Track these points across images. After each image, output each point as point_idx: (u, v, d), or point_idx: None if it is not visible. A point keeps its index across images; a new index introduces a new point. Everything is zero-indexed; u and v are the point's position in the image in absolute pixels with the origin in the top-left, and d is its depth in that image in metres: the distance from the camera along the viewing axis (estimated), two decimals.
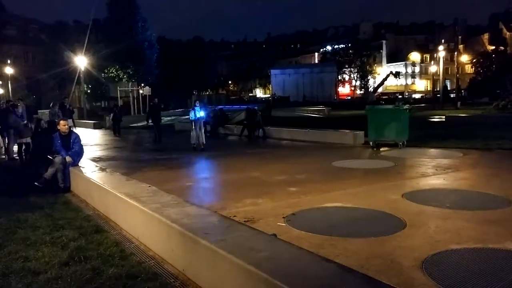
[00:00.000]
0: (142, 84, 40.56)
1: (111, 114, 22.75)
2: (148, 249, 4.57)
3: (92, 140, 18.78)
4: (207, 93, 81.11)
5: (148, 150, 15.76)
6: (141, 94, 37.78)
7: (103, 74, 43.95)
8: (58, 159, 7.82)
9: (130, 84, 41.24)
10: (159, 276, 3.87)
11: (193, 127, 13.55)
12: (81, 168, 7.87)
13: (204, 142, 13.57)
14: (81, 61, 34.22)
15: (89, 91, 46.82)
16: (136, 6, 46.11)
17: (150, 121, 17.62)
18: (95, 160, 11.19)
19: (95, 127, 27.41)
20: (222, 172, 9.38)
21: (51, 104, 19.72)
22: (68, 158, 7.82)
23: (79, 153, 8.18)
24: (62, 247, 4.68)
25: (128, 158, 12.78)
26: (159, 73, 49.55)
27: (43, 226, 5.49)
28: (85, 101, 40.28)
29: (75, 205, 6.83)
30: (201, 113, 13.59)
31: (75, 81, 37.18)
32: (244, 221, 5.33)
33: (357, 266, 3.94)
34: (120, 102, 35.96)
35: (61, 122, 8.25)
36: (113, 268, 4.00)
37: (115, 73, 44.25)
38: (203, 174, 9.33)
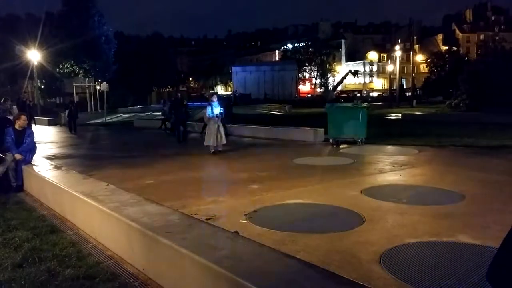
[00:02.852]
0: (99, 80, 39.50)
1: (67, 111, 21.96)
2: (106, 249, 4.44)
3: (47, 137, 18.06)
4: (167, 89, 79.99)
5: (106, 148, 15.34)
6: (98, 90, 36.75)
7: (58, 69, 42.38)
8: (9, 156, 7.45)
9: (86, 80, 40.05)
10: (118, 276, 3.77)
11: (209, 125, 11.51)
12: (34, 166, 7.55)
13: (225, 142, 11.65)
14: (34, 56, 32.85)
15: (43, 86, 45.07)
16: (92, 0, 44.80)
17: (172, 119, 16.08)
18: (50, 158, 10.77)
19: (50, 124, 26.40)
20: (183, 170, 9.26)
21: (2, 100, 18.84)
22: (17, 156, 7.46)
23: (30, 149, 7.83)
24: (15, 248, 4.47)
25: (85, 156, 12.40)
26: (117, 68, 48.39)
27: None
28: (39, 97, 38.73)
29: (28, 204, 6.55)
30: (219, 109, 11.45)
31: (28, 76, 35.65)
32: (206, 219, 5.28)
33: (318, 261, 3.99)
34: (76, 98, 34.80)
35: (22, 117, 7.91)
36: (69, 269, 3.86)
37: (70, 68, 42.83)
38: (164, 172, 9.16)
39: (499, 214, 5.35)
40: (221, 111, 11.46)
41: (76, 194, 5.24)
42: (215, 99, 11.56)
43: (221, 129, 11.46)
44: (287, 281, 2.68)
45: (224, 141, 11.51)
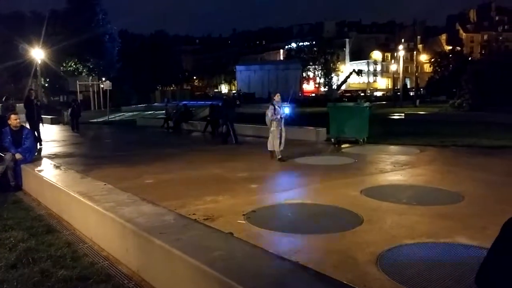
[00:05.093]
0: (103, 78, 39.54)
1: (70, 109, 22.01)
2: (101, 249, 4.43)
3: (49, 136, 18.08)
4: (171, 88, 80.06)
5: (108, 146, 15.36)
6: (102, 88, 36.82)
7: (61, 68, 42.49)
8: (8, 156, 7.45)
9: (90, 78, 40.14)
10: (112, 277, 3.75)
11: (272, 128, 9.95)
12: (33, 165, 7.54)
13: (282, 149, 10.08)
14: (38, 54, 32.94)
15: (46, 85, 45.21)
16: None
17: (221, 120, 15.11)
18: (51, 157, 10.79)
19: (53, 122, 26.49)
20: (183, 169, 9.24)
21: (4, 98, 18.86)
22: (18, 155, 7.46)
23: (30, 150, 7.83)
24: (9, 248, 4.45)
25: (86, 155, 12.40)
26: (121, 67, 48.45)
27: None
28: (43, 96, 38.85)
29: (26, 204, 6.54)
30: (285, 110, 10.07)
31: (32, 74, 35.77)
32: (204, 219, 5.27)
33: (315, 262, 3.97)
34: (79, 97, 34.94)
35: (12, 116, 7.85)
36: (63, 270, 3.83)
37: (74, 66, 42.94)
38: (164, 171, 9.15)
39: (497, 215, 5.28)
40: (287, 112, 10.11)
41: (72, 193, 5.22)
42: (278, 98, 10.04)
43: (283, 133, 10.06)
44: (278, 283, 2.66)
45: (282, 147, 10.09)
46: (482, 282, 1.47)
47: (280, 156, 9.92)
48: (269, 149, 10.12)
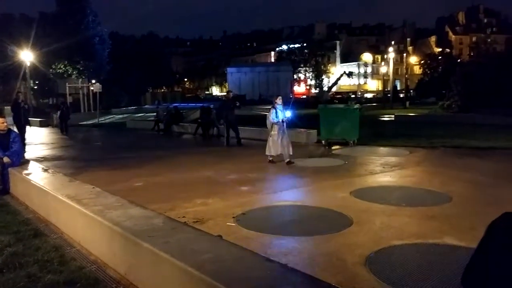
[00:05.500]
0: (93, 81, 39.25)
1: (58, 112, 21.84)
2: (90, 253, 4.38)
3: (38, 138, 17.92)
4: (162, 90, 79.76)
5: (97, 149, 15.24)
6: (92, 90, 36.54)
7: (51, 70, 42.12)
8: None
9: (80, 80, 39.83)
10: (100, 281, 3.72)
11: (273, 132, 9.69)
12: (21, 168, 7.45)
13: (291, 153, 9.72)
14: (27, 56, 32.60)
15: (35, 87, 44.79)
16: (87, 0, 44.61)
17: (221, 121, 15.04)
18: (39, 160, 10.68)
19: (42, 125, 26.25)
20: (173, 172, 9.20)
21: None
22: (5, 159, 7.37)
23: (18, 153, 7.73)
24: None
25: (75, 158, 12.30)
26: (111, 69, 48.14)
27: None
28: (31, 98, 38.49)
29: (13, 208, 6.46)
30: (286, 113, 9.73)
31: (21, 76, 35.39)
32: (193, 221, 5.25)
33: (304, 264, 3.99)
34: (69, 99, 34.61)
35: None
36: (50, 274, 3.79)
37: (63, 68, 42.58)
38: (154, 174, 9.12)
39: (485, 215, 5.28)
40: (288, 116, 9.77)
41: (60, 197, 5.16)
42: (280, 101, 9.74)
43: (286, 137, 9.71)
44: (267, 286, 2.65)
45: (291, 151, 9.72)
46: (468, 283, 1.48)
47: (288, 159, 9.61)
48: (267, 153, 9.82)
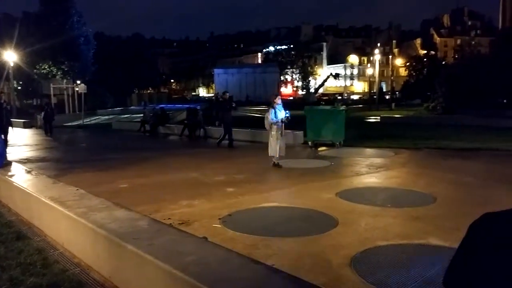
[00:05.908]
0: (78, 81, 38.78)
1: (43, 113, 21.53)
2: (73, 256, 4.33)
3: (21, 140, 17.65)
4: (148, 91, 79.20)
5: (82, 150, 15.07)
6: (77, 91, 36.13)
7: (35, 70, 41.52)
8: None
9: (64, 81, 39.33)
10: (84, 284, 3.68)
11: (273, 132, 9.52)
12: (3, 170, 7.33)
13: (283, 154, 9.70)
14: (10, 56, 32.14)
15: (19, 88, 44.11)
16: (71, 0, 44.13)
17: (217, 123, 14.80)
18: (22, 161, 10.53)
19: (25, 126, 25.86)
20: (159, 173, 9.14)
21: None
22: None
23: (1, 154, 7.63)
24: None
25: (59, 159, 12.15)
26: (97, 70, 47.65)
27: None
28: (15, 99, 37.90)
29: None
30: (284, 113, 9.57)
31: (4, 77, 34.84)
32: (179, 223, 5.22)
33: (289, 265, 3.98)
34: (54, 100, 34.12)
35: None
36: (33, 277, 3.74)
37: (48, 69, 42.01)
38: (140, 175, 9.05)
39: (469, 216, 5.33)
40: (287, 115, 9.60)
41: (43, 199, 5.09)
42: (279, 101, 9.65)
43: (282, 138, 9.68)
44: (251, 287, 2.65)
45: (283, 153, 9.68)
46: (449, 283, 1.49)
47: (278, 162, 9.50)
48: (270, 154, 9.60)
